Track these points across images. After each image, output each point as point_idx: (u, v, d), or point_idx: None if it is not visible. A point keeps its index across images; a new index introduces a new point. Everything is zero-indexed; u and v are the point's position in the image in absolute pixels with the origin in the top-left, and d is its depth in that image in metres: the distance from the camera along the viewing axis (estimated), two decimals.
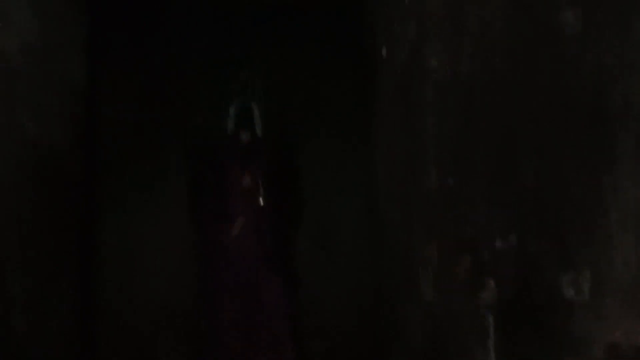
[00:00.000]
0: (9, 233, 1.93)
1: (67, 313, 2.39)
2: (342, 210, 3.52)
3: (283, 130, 3.40)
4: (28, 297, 2.03)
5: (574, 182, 1.96)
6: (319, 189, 3.53)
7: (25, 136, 2.05)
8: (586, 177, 1.90)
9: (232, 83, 3.36)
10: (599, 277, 1.86)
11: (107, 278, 3.35)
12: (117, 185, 3.42)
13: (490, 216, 1.89)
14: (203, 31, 3.44)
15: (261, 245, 3.19)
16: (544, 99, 1.95)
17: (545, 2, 1.47)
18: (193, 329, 3.23)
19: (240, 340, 3.08)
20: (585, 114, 1.84)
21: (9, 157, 1.96)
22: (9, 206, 1.94)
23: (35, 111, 2.10)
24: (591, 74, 1.34)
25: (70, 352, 2.41)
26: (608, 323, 1.84)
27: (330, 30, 3.44)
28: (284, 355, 3.02)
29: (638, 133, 1.21)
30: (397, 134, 2.41)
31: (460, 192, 1.94)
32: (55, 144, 2.28)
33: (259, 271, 3.16)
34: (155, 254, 3.40)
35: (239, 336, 3.09)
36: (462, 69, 1.95)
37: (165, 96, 3.48)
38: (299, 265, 3.47)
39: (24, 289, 2.00)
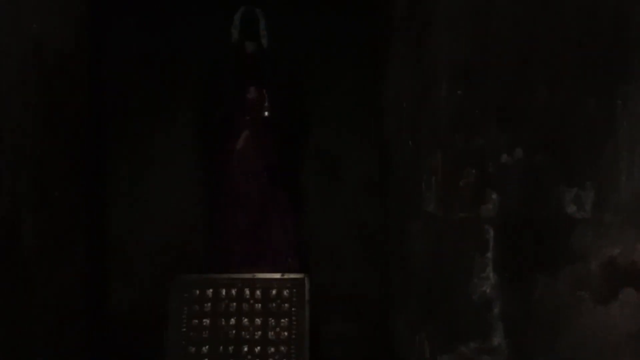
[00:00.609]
0: (17, 136, 1.92)
1: (77, 241, 2.41)
2: (351, 136, 3.51)
3: (289, 42, 3.31)
4: (37, 215, 2.05)
5: (585, 99, 1.94)
6: (327, 112, 3.50)
7: (29, 36, 2.00)
8: (597, 94, 1.89)
9: None
10: (602, 194, 1.89)
11: (114, 206, 3.41)
12: (123, 107, 3.41)
13: (498, 129, 1.88)
14: None
15: (266, 158, 3.19)
16: (564, 16, 1.90)
17: None
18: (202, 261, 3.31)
19: (248, 250, 3.16)
20: (602, 33, 1.80)
21: (14, 58, 1.92)
22: (16, 113, 1.92)
23: (39, 10, 2.04)
24: None
25: (79, 287, 2.45)
26: (607, 240, 1.88)
27: None
28: (286, 262, 3.10)
29: None
30: (409, 51, 2.37)
31: (468, 104, 1.92)
32: (60, 45, 2.22)
33: (264, 184, 3.19)
34: (163, 173, 3.43)
35: (246, 245, 3.17)
36: None
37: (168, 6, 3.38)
38: (306, 186, 3.49)
39: (34, 208, 2.02)
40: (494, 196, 1.88)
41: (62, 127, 2.27)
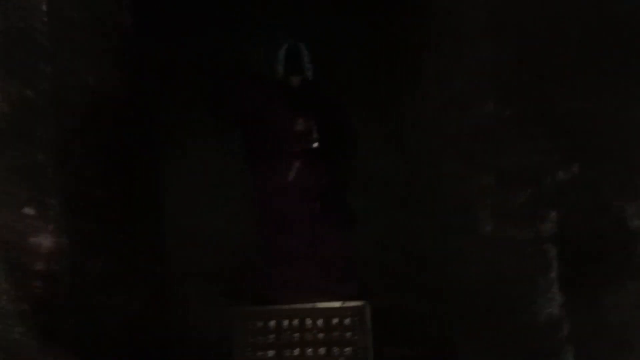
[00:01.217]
0: (80, 182, 2.02)
1: (140, 259, 2.50)
2: (397, 156, 3.50)
3: (332, 73, 3.36)
4: (102, 255, 2.14)
5: (636, 104, 1.87)
6: (370, 133, 3.51)
7: (87, 89, 2.11)
8: None
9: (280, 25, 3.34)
10: None
11: (170, 225, 3.48)
12: (173, 133, 3.51)
13: (551, 145, 1.85)
14: None
15: (317, 185, 3.22)
16: (613, 18, 1.86)
17: None
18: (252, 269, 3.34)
19: (304, 277, 3.17)
20: None
21: (76, 109, 2.03)
22: (77, 159, 2.02)
23: (93, 61, 2.14)
24: None
25: (144, 320, 2.52)
26: None
27: None
28: (345, 289, 3.09)
29: None
30: (448, 69, 2.36)
31: (516, 120, 1.89)
32: (112, 91, 2.32)
33: (317, 211, 3.21)
34: (214, 199, 3.50)
35: (303, 273, 3.18)
36: None
37: (213, 40, 3.49)
38: (356, 209, 3.49)
39: (99, 228, 2.12)
40: (553, 214, 1.84)
41: (119, 168, 2.36)
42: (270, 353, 2.77)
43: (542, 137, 1.90)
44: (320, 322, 2.79)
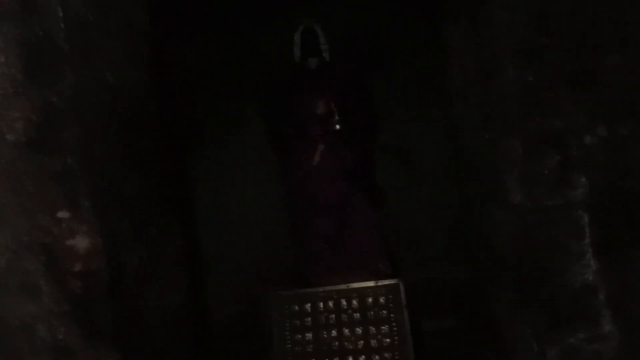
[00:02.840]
0: (107, 180, 2.06)
1: (177, 267, 2.54)
2: (422, 127, 3.48)
3: (351, 51, 3.34)
4: (137, 250, 2.18)
5: None
6: (395, 109, 3.49)
7: (107, 88, 2.14)
8: None
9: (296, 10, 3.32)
10: None
11: (200, 214, 3.53)
12: (198, 124, 3.54)
13: (575, 108, 1.81)
14: None
15: (342, 166, 3.23)
16: None
17: None
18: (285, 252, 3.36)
19: (336, 258, 3.20)
20: None
21: (97, 109, 2.06)
22: (103, 158, 2.06)
23: (111, 60, 2.17)
24: None
25: (183, 310, 2.57)
26: None
27: None
28: (378, 267, 3.11)
29: None
30: (469, 34, 2.32)
31: (538, 85, 1.86)
32: (132, 90, 2.35)
33: (343, 191, 3.22)
34: (242, 187, 3.53)
35: (334, 254, 3.20)
36: None
37: (230, 30, 3.49)
38: (384, 185, 3.49)
39: (131, 224, 2.17)
40: (583, 180, 1.81)
41: (144, 163, 2.39)
42: (308, 335, 2.82)
43: (566, 100, 1.87)
44: (355, 302, 2.82)
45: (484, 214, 2.37)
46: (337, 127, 3.21)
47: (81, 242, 1.97)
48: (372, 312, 2.78)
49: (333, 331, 2.79)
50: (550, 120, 1.87)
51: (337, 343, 2.77)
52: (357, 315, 2.79)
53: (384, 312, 2.77)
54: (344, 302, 2.83)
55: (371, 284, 2.84)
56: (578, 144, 1.84)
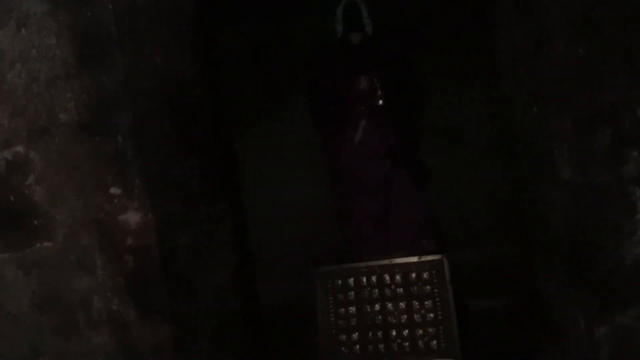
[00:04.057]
0: (159, 163, 2.11)
1: (227, 247, 2.59)
2: (466, 107, 3.42)
3: (394, 26, 3.29)
4: (189, 230, 2.24)
5: None
6: (441, 86, 3.44)
7: (155, 71, 2.17)
8: None
9: None
10: None
11: (249, 195, 3.59)
12: (246, 107, 3.58)
13: (628, 81, 1.75)
14: None
15: (386, 143, 3.21)
16: None
17: None
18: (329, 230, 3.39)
19: (381, 236, 3.21)
20: None
21: (147, 92, 2.10)
22: (154, 141, 2.11)
23: (159, 45, 2.20)
24: None
25: (234, 288, 2.62)
26: None
27: None
28: (422, 246, 3.11)
29: None
30: (518, 10, 2.27)
31: (590, 58, 1.80)
32: (181, 74, 2.38)
33: (388, 168, 3.21)
34: (290, 167, 3.56)
35: (379, 231, 3.21)
36: None
37: (273, 11, 3.48)
38: (430, 163, 3.46)
39: (182, 205, 2.23)
40: (635, 154, 1.76)
41: (195, 145, 2.44)
42: (351, 309, 2.85)
43: (618, 72, 1.81)
44: (398, 277, 2.83)
45: (534, 191, 2.33)
46: (380, 102, 3.18)
47: (132, 217, 2.05)
48: (415, 287, 2.79)
49: (376, 305, 2.82)
50: (603, 94, 1.82)
51: (380, 317, 2.79)
52: (400, 290, 2.81)
53: (428, 287, 2.77)
54: (387, 277, 2.85)
55: (414, 259, 2.85)
56: (630, 118, 1.79)
